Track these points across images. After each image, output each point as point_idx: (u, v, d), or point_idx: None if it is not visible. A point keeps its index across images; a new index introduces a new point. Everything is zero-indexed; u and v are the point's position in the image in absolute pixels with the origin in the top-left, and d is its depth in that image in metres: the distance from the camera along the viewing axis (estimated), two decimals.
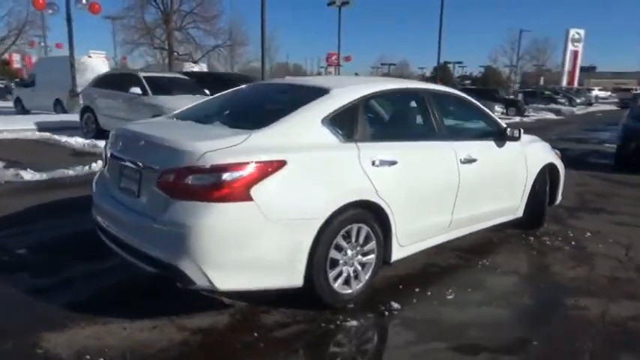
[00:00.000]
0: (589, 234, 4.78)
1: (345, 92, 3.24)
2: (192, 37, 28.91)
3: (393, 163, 3.17)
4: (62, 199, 5.51)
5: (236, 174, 2.53)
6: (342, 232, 2.93)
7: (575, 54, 61.53)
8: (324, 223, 2.79)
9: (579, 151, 11.48)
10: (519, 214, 4.57)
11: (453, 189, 3.67)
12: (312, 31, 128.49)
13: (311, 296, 2.90)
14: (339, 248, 2.95)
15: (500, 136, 4.18)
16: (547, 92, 39.02)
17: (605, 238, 4.67)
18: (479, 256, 4.09)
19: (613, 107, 40.78)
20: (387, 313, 3.04)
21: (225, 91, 3.96)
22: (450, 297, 3.29)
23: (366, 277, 3.15)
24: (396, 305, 3.11)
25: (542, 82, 52.80)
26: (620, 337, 2.86)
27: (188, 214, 2.53)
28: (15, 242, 4.02)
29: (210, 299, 3.06)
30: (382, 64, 65.99)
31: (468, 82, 56.36)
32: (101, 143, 9.63)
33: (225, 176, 2.51)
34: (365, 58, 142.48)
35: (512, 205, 4.45)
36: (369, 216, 3.06)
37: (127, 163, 2.95)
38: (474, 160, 3.81)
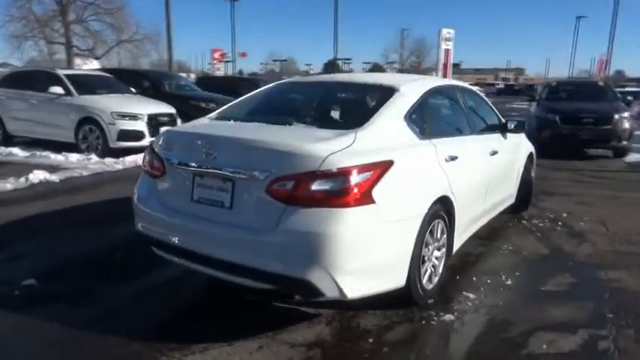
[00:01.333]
0: (565, 214, 5.35)
1: (413, 89, 3.27)
2: (93, 30, 26.25)
3: (455, 158, 3.29)
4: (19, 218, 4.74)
5: (361, 176, 2.45)
6: (430, 228, 2.97)
7: (447, 52, 67.44)
8: (422, 221, 2.81)
9: None
10: (514, 200, 4.99)
11: (487, 180, 3.93)
12: (195, 27, 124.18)
13: (406, 295, 2.90)
14: (426, 245, 2.99)
15: (503, 129, 4.52)
16: None
17: (581, 217, 5.26)
18: (498, 242, 4.39)
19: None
20: (468, 303, 3.15)
21: (261, 90, 3.75)
22: (508, 282, 3.50)
23: (440, 271, 3.24)
24: (471, 296, 3.23)
25: None
26: None
27: (316, 222, 2.38)
28: (15, 270, 3.42)
29: (282, 310, 2.97)
30: (274, 60, 66.43)
31: None
32: (18, 151, 8.45)
33: (353, 179, 2.41)
34: (254, 55, 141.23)
35: (512, 192, 4.86)
36: (443, 211, 3.14)
37: (209, 170, 2.67)
38: (496, 152, 4.10)
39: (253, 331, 2.72)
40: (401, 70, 62.31)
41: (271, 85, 3.87)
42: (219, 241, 2.64)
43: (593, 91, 11.26)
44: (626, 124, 9.60)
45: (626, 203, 6.13)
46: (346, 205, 2.40)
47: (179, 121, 9.36)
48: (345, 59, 51.98)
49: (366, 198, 2.46)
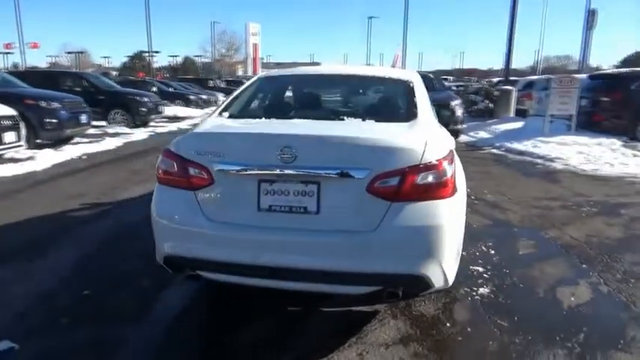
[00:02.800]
0: (468, 190, 6.16)
1: (418, 81, 3.39)
2: None
3: None
4: None
5: (451, 167, 2.49)
6: None
7: (255, 46, 68.86)
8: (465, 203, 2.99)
9: None
10: None
11: None
12: None
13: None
14: None
15: None
16: (246, 80, 43.12)
17: (481, 190, 6.13)
18: None
19: None
20: (476, 273, 3.47)
21: (257, 86, 3.40)
22: (492, 252, 3.94)
23: None
24: (479, 269, 3.57)
25: (240, 72, 57.27)
26: (596, 246, 4.10)
27: (425, 215, 2.35)
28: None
29: (331, 316, 2.92)
30: (68, 52, 59.09)
31: (165, 72, 55.78)
32: None
33: (448, 170, 2.44)
34: (47, 47, 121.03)
35: None
36: None
37: (286, 173, 2.37)
38: None
39: (337, 342, 2.56)
40: (211, 65, 61.51)
41: (261, 79, 3.54)
42: (306, 250, 2.39)
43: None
44: (459, 110, 11.33)
45: (498, 175, 7.33)
46: (446, 195, 2.42)
47: (22, 124, 7.77)
48: (154, 52, 48.88)
49: (454, 187, 2.52)
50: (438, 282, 2.42)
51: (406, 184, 2.33)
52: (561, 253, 3.95)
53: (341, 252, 2.37)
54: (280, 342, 2.60)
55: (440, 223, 2.36)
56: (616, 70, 14.45)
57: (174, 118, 16.78)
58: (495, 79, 25.39)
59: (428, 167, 2.37)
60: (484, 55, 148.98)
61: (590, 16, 35.80)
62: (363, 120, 2.78)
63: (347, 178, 2.34)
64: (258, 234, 2.43)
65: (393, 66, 36.32)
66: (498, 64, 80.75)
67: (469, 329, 2.71)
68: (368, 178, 2.33)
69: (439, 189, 2.40)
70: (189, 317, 2.89)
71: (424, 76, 14.38)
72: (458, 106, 11.16)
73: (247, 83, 3.44)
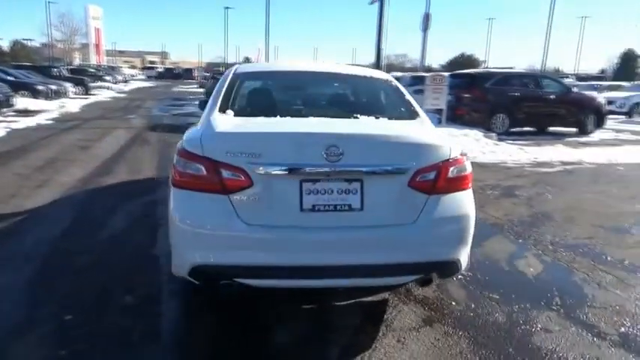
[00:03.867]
0: None
1: (397, 81, 3.60)
2: None
3: None
4: None
5: (468, 161, 2.75)
6: None
7: (97, 31, 62.66)
8: None
9: None
10: None
11: None
12: None
13: None
14: None
15: None
16: (92, 70, 39.19)
17: None
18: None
19: (148, 83, 45.51)
20: None
21: (236, 83, 3.22)
22: None
23: None
24: None
25: (79, 59, 51.45)
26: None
27: (457, 205, 2.58)
28: None
29: (337, 311, 3.04)
30: None
31: None
32: None
33: (467, 163, 2.70)
34: None
35: None
36: None
37: (332, 172, 2.38)
38: None
39: (371, 332, 2.68)
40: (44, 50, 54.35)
41: (241, 74, 3.36)
42: (353, 247, 2.45)
43: None
44: None
45: None
46: (467, 187, 2.68)
47: None
48: None
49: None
50: (464, 265, 2.68)
51: (441, 177, 2.53)
52: (497, 231, 4.55)
53: (386, 246, 2.48)
54: (320, 338, 2.62)
55: (468, 212, 2.61)
56: (473, 70, 16.56)
57: (25, 112, 14.60)
58: None
59: (455, 161, 2.60)
60: (336, 53, 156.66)
61: (425, 19, 40.32)
62: (376, 118, 2.89)
63: (392, 174, 2.45)
64: (303, 234, 2.42)
65: (257, 60, 36.42)
66: (348, 61, 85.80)
67: (472, 304, 3.03)
68: (410, 174, 2.47)
69: (464, 181, 2.64)
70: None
71: None
72: None
73: (228, 79, 3.26)
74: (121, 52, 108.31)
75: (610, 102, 19.01)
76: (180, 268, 2.52)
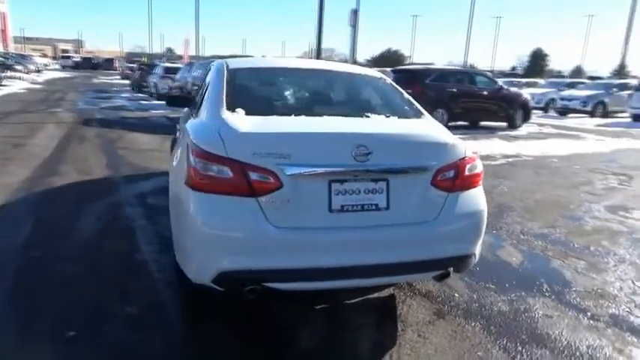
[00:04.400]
0: None
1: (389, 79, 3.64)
2: None
3: None
4: None
5: (478, 158, 2.85)
6: None
7: (3, 16, 57.23)
8: None
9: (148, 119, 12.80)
10: None
11: None
12: None
13: None
14: None
15: None
16: (0, 58, 35.89)
17: None
18: None
19: (64, 74, 42.46)
20: None
21: (231, 79, 3.09)
22: None
23: None
24: None
25: None
26: None
27: (475, 201, 2.68)
28: None
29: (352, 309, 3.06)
30: None
31: None
32: None
33: (478, 161, 2.80)
34: None
35: None
36: None
37: (360, 172, 2.39)
38: None
39: (389, 329, 2.72)
40: None
41: (233, 70, 3.21)
42: (381, 246, 2.47)
43: None
44: None
45: None
46: (479, 183, 2.78)
47: None
48: None
49: None
50: (477, 257, 2.79)
51: (459, 175, 2.62)
52: None
53: (411, 243, 2.52)
54: (340, 339, 2.61)
55: (483, 207, 2.72)
56: (414, 66, 17.04)
57: None
58: None
59: (469, 159, 2.70)
60: (266, 45, 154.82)
61: (354, 14, 41.03)
62: (387, 117, 2.91)
63: (417, 172, 2.50)
64: (333, 235, 2.40)
65: (185, 53, 34.98)
66: (277, 53, 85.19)
67: (474, 295, 3.17)
68: (432, 172, 2.53)
69: (477, 178, 2.75)
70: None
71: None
72: None
73: (224, 75, 3.12)
74: (30, 40, 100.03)
75: (570, 99, 20.63)
76: (201, 275, 2.40)
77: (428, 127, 2.83)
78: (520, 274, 3.58)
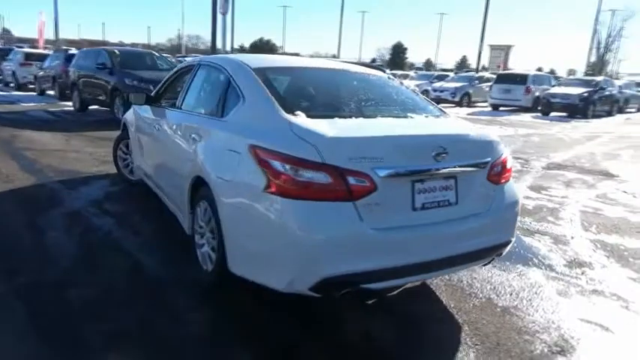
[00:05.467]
0: None
1: None
2: None
3: None
4: None
5: None
6: None
7: None
8: None
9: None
10: None
11: None
12: None
13: None
14: None
15: None
16: None
17: None
18: None
19: None
20: None
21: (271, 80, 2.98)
22: None
23: None
24: None
25: None
26: None
27: (514, 192, 2.99)
28: None
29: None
30: None
31: None
32: None
33: (510, 157, 3.11)
34: None
35: None
36: None
37: (438, 172, 2.55)
38: None
39: (422, 322, 2.92)
40: None
41: (264, 69, 3.06)
42: (454, 239, 2.63)
43: (150, 59, 12.00)
44: None
45: None
46: (511, 176, 3.09)
47: None
48: None
49: None
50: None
51: (504, 169, 2.91)
52: None
53: (475, 234, 2.74)
54: (369, 339, 2.66)
55: (519, 197, 3.04)
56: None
57: None
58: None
59: (507, 155, 2.99)
60: (127, 29, 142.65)
61: (224, 1, 40.20)
62: (426, 117, 3.09)
63: (479, 168, 2.74)
64: (418, 232, 2.52)
65: (40, 34, 30.90)
66: (141, 39, 79.60)
67: (480, 284, 3.50)
68: (488, 167, 2.78)
69: (510, 171, 3.05)
70: None
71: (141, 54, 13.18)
72: None
73: (251, 75, 2.99)
74: None
75: (442, 90, 22.40)
76: (299, 284, 2.35)
77: (472, 126, 3.05)
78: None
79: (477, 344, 2.60)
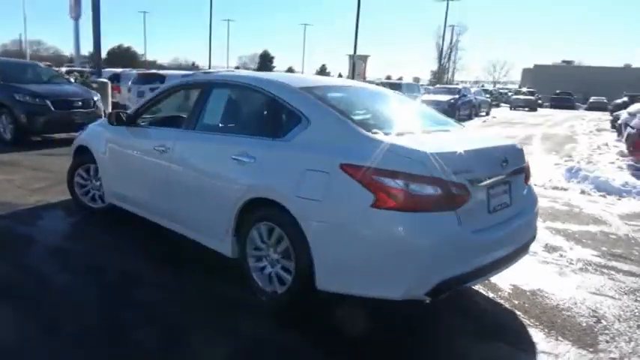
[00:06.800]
0: None
1: None
2: None
3: None
4: None
5: None
6: None
7: None
8: None
9: None
10: None
11: None
12: None
13: None
14: None
15: None
16: None
17: None
18: None
19: None
20: None
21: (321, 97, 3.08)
22: None
23: None
24: None
25: None
26: None
27: (534, 192, 3.49)
28: None
29: None
30: None
31: None
32: None
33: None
34: None
35: None
36: None
37: (503, 178, 2.92)
38: None
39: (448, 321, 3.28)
40: None
41: (311, 90, 3.11)
42: (512, 236, 3.00)
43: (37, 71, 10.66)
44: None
45: None
46: None
47: None
48: None
49: None
50: None
51: (529, 172, 3.38)
52: None
53: (523, 230, 3.16)
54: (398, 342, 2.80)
55: (537, 195, 3.53)
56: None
57: None
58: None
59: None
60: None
61: (76, 5, 37.02)
62: (460, 129, 3.47)
63: (522, 172, 3.24)
64: (496, 233, 2.85)
65: None
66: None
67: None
68: (524, 172, 3.22)
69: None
70: None
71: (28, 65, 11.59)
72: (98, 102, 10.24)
73: (310, 97, 3.03)
74: None
75: None
76: (416, 291, 2.51)
77: (498, 136, 3.49)
78: None
79: (536, 324, 3.00)
